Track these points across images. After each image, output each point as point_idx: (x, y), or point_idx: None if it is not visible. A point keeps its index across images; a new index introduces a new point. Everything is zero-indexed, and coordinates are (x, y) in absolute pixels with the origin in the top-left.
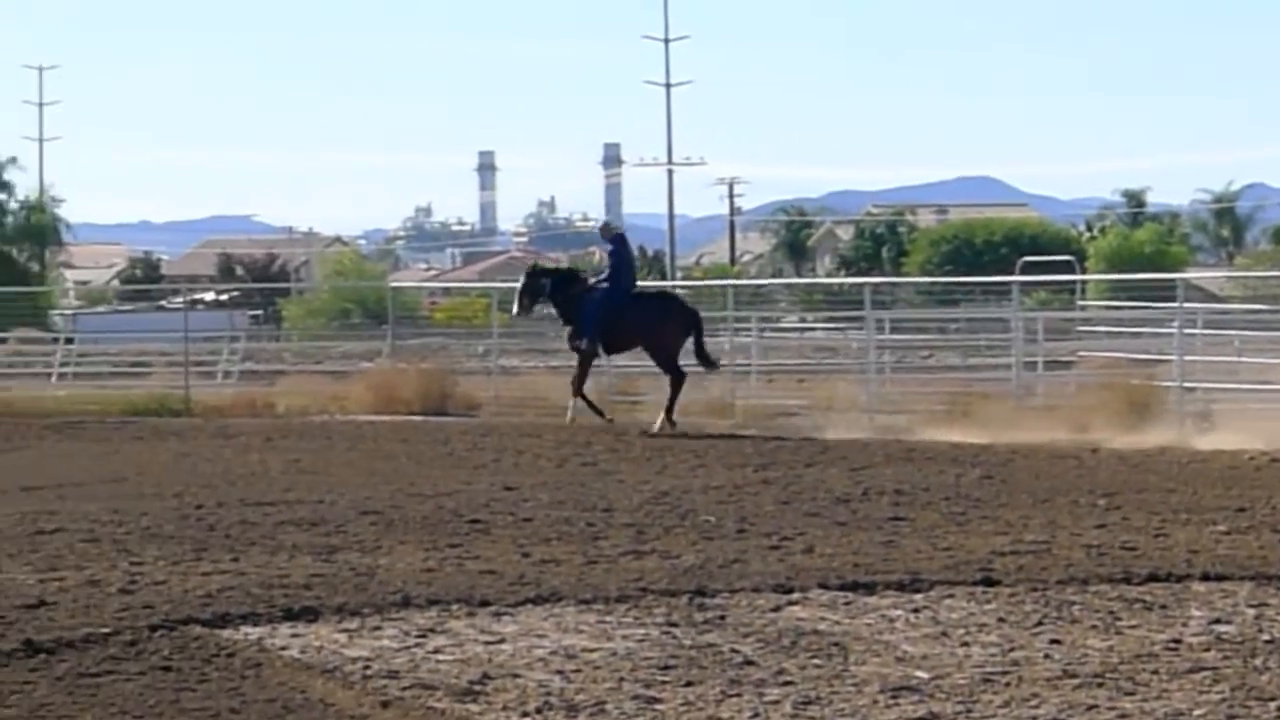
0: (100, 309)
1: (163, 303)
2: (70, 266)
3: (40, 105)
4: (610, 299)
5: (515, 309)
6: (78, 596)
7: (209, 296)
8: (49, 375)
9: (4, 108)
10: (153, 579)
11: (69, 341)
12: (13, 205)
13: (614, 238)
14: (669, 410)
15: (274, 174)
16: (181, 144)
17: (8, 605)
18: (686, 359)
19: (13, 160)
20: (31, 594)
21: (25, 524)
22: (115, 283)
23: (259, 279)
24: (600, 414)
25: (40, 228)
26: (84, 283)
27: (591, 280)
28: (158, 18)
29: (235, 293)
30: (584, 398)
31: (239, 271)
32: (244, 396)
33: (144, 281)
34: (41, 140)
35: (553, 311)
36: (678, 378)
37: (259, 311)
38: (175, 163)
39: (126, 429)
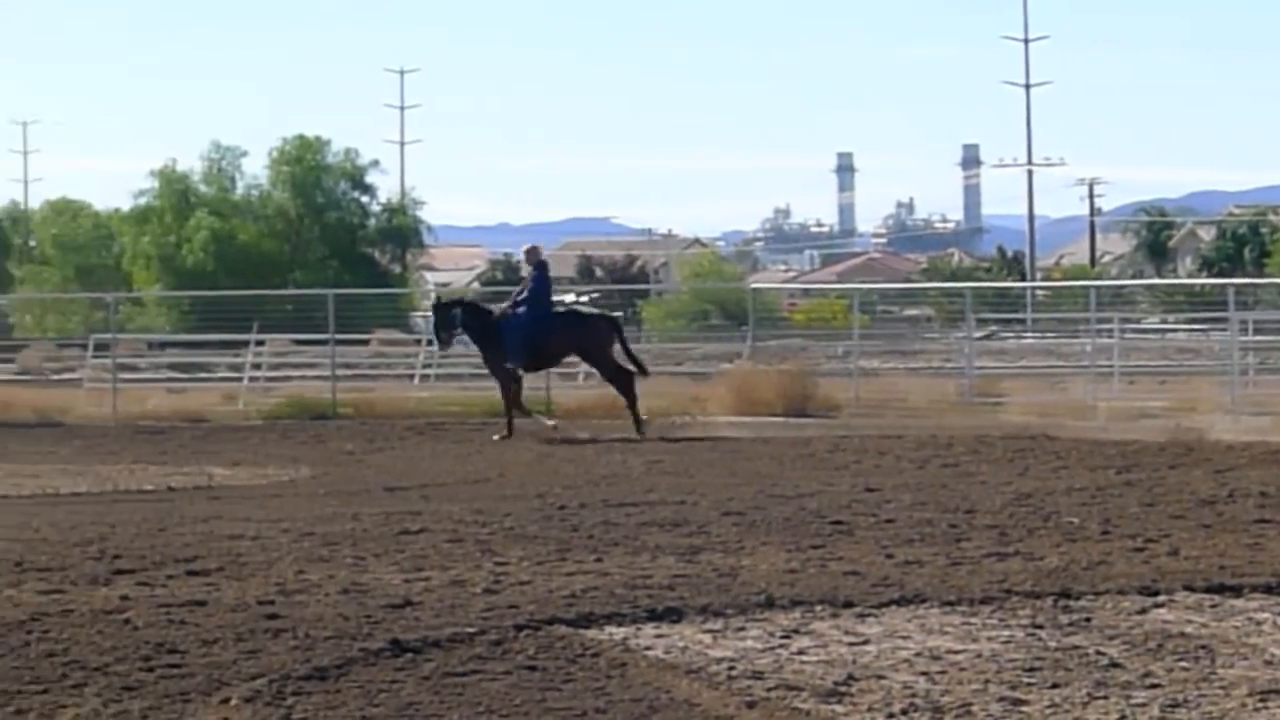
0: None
1: None
2: (431, 269)
3: (401, 109)
4: (532, 321)
5: (436, 344)
6: (443, 596)
7: (569, 298)
8: (411, 377)
9: (366, 111)
10: (517, 579)
11: (430, 343)
12: (375, 208)
13: (537, 263)
14: (634, 413)
15: (632, 176)
16: (541, 146)
17: (374, 605)
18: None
19: (375, 163)
20: (398, 594)
21: (390, 524)
22: (475, 284)
23: (618, 281)
24: (527, 414)
25: (401, 230)
26: (444, 284)
27: (505, 307)
28: (516, 21)
29: (595, 294)
30: (519, 408)
31: (598, 273)
32: (605, 397)
33: (504, 283)
34: (402, 143)
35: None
36: (625, 380)
37: (619, 313)
38: (534, 165)
39: (488, 430)
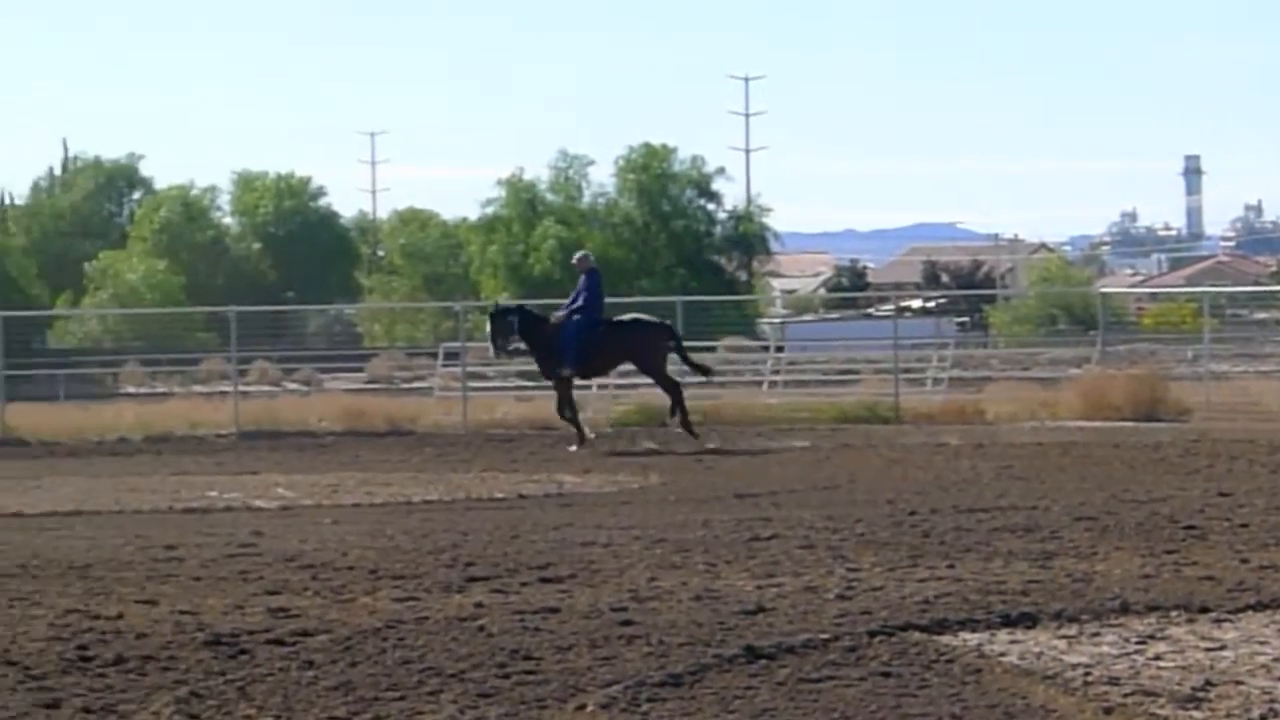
0: (807, 317)
1: (870, 310)
2: (777, 275)
3: (746, 116)
4: (586, 328)
5: (492, 351)
6: (796, 602)
7: (915, 304)
8: (759, 383)
9: (711, 118)
10: (869, 585)
11: (778, 350)
12: (721, 215)
13: (588, 271)
14: (684, 422)
15: (978, 180)
16: (885, 152)
17: (728, 611)
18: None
19: (721, 170)
20: (751, 600)
21: (741, 531)
22: (821, 291)
23: (964, 286)
24: (581, 433)
25: (748, 237)
26: (791, 291)
27: (560, 314)
28: (861, 27)
29: (942, 300)
30: (568, 418)
31: (944, 279)
32: (953, 403)
33: (850, 289)
34: (748, 150)
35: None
36: (674, 388)
37: (965, 318)
38: (879, 171)
39: (837, 436)
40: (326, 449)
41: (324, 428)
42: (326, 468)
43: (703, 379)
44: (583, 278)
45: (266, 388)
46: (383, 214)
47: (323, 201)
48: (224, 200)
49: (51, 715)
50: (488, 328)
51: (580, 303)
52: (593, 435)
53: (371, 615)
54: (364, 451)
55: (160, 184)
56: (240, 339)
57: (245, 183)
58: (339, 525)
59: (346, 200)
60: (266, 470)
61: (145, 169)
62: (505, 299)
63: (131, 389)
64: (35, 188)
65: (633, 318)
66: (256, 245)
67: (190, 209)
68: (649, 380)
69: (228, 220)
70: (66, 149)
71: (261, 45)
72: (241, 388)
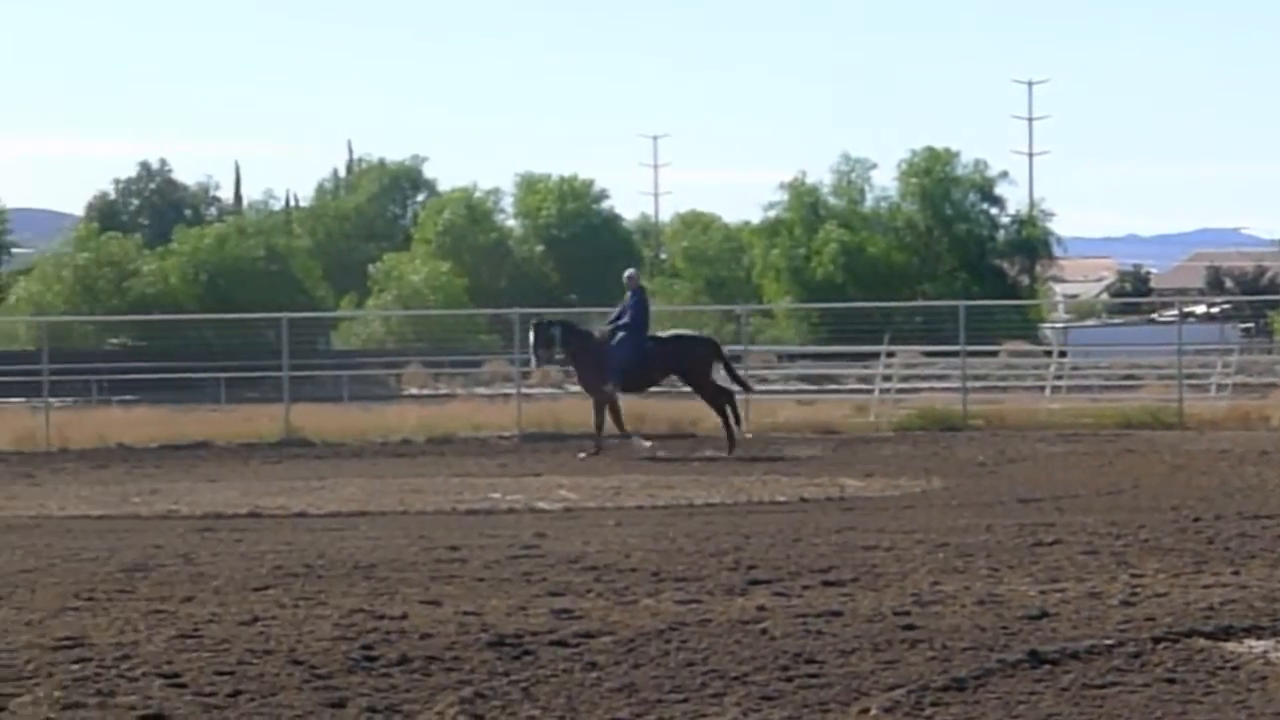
0: (1090, 322)
1: (1153, 316)
2: (1060, 280)
3: (1029, 120)
4: (633, 345)
5: (533, 361)
6: (1079, 608)
7: (1199, 309)
8: (1041, 388)
9: (994, 123)
10: (1153, 591)
11: (1061, 354)
12: (1004, 219)
13: (636, 289)
14: (733, 427)
15: (1263, 186)
16: (1169, 158)
17: (1011, 616)
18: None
19: (1004, 175)
20: (1034, 605)
21: (1024, 536)
22: (1104, 296)
23: (1248, 292)
24: (598, 441)
25: (1030, 242)
26: (1073, 296)
27: (607, 327)
28: (1144, 32)
29: (1226, 305)
30: (621, 428)
31: (1228, 284)
32: (1237, 409)
33: (1133, 295)
34: (1031, 155)
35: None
36: (725, 398)
37: (1250, 324)
38: (1163, 176)
39: (1120, 441)
40: (608, 451)
41: (608, 430)
42: (609, 470)
43: (744, 392)
44: (630, 295)
45: (549, 390)
46: (665, 217)
47: (605, 204)
48: (507, 203)
49: (337, 714)
50: (530, 337)
51: (626, 319)
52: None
53: (654, 617)
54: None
55: (444, 186)
56: (524, 341)
57: (528, 185)
58: (621, 527)
59: (629, 203)
60: (549, 472)
61: (429, 171)
62: (789, 302)
63: (414, 390)
64: (320, 190)
65: (676, 334)
66: (539, 248)
67: (474, 211)
68: (928, 385)
69: (511, 223)
70: (351, 151)
71: (545, 50)
72: (524, 390)
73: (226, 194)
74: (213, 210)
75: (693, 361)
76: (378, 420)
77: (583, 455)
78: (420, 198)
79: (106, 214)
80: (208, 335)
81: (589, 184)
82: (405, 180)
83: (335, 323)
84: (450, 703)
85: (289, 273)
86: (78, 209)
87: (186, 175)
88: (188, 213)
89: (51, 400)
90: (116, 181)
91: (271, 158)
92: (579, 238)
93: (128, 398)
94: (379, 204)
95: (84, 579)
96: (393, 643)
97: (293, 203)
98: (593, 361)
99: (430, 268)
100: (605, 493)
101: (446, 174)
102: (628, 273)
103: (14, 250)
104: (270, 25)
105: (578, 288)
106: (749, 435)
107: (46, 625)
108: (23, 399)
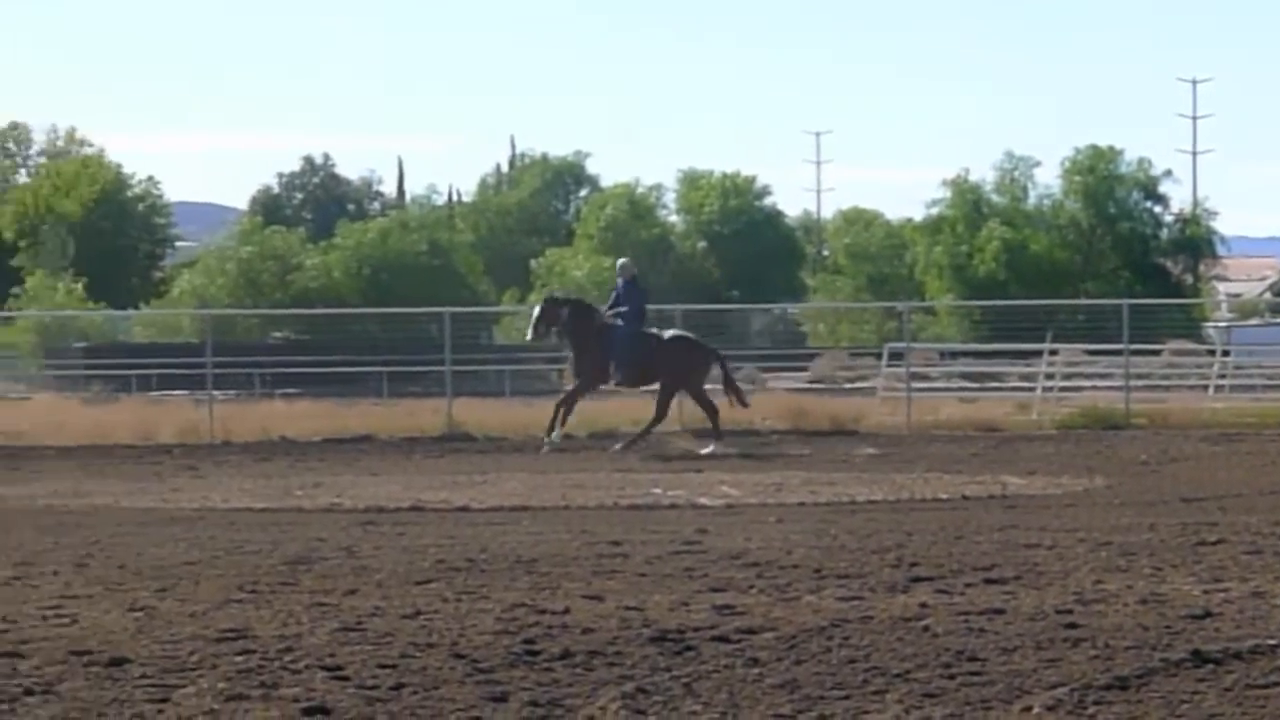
0: (1253, 322)
1: None
2: (1223, 279)
3: (1194, 119)
4: (636, 339)
5: (530, 333)
6: (1243, 608)
7: None
8: (1205, 388)
9: (1158, 122)
10: None
11: (1224, 354)
12: (1167, 218)
13: (631, 278)
14: (716, 433)
15: None
16: None
17: (1173, 615)
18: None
19: (1167, 173)
20: (1197, 605)
21: (1187, 535)
22: (1268, 295)
23: None
24: (552, 428)
25: (1194, 240)
26: (1236, 295)
27: (607, 315)
28: None
29: None
30: (556, 423)
31: None
32: None
33: None
34: (1195, 153)
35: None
36: (712, 409)
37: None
38: None
39: None
40: (770, 447)
41: (768, 426)
42: (770, 466)
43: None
44: (621, 283)
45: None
46: (827, 214)
47: (767, 201)
48: (669, 198)
49: (499, 708)
50: (535, 310)
51: (624, 309)
52: (551, 441)
53: (816, 614)
54: (807, 450)
55: (606, 182)
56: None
57: (690, 181)
58: (783, 524)
59: (791, 199)
60: (711, 468)
61: (591, 166)
62: (951, 299)
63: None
64: (483, 185)
65: (679, 334)
66: (701, 244)
67: (636, 207)
68: (1091, 384)
69: (673, 218)
70: (514, 146)
71: (708, 46)
72: None
73: (389, 189)
74: (375, 205)
75: (692, 367)
76: (540, 415)
77: (545, 448)
78: (583, 193)
79: (270, 208)
80: (370, 329)
81: (751, 180)
82: (568, 175)
83: (498, 317)
84: (612, 697)
85: (451, 267)
86: (241, 203)
87: (350, 170)
88: (350, 207)
89: (215, 393)
90: (280, 176)
91: (434, 153)
92: (741, 234)
93: (290, 391)
94: (541, 199)
95: (247, 571)
96: (554, 637)
97: (455, 198)
98: (596, 349)
99: (592, 263)
100: (766, 489)
101: (609, 170)
102: (620, 261)
103: (178, 244)
104: (433, 21)
105: (739, 284)
106: (717, 450)
107: (210, 617)
108: (186, 392)
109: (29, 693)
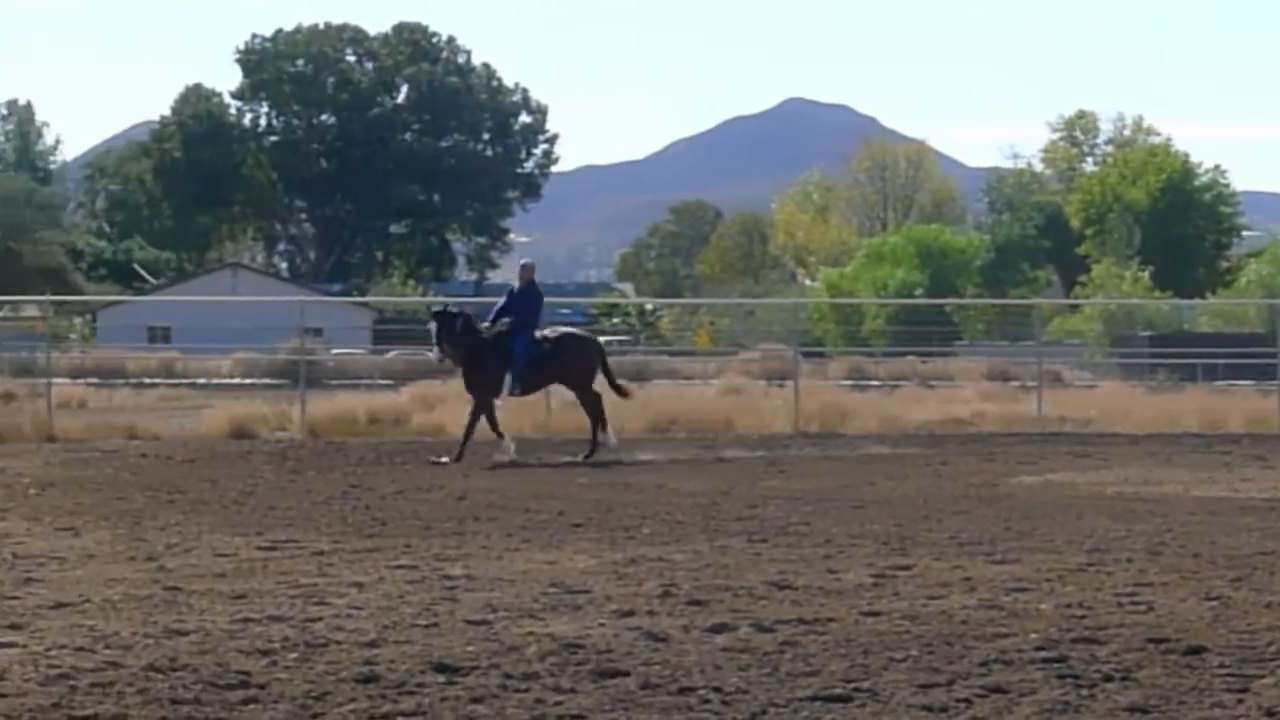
0: None
1: None
2: None
3: None
4: (532, 345)
5: (435, 355)
6: None
7: None
8: None
9: None
10: None
11: None
12: None
13: (529, 281)
14: (599, 432)
15: None
16: None
17: None
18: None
19: None
20: None
21: None
22: None
23: None
24: (462, 451)
25: None
26: None
27: (491, 324)
28: None
29: None
30: (491, 423)
31: None
32: None
33: None
34: None
35: None
36: (595, 401)
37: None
38: None
39: None
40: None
41: None
42: None
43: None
44: (519, 286)
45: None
46: None
47: None
48: None
49: None
50: (432, 327)
51: (519, 318)
52: (446, 459)
53: None
54: None
55: None
56: None
57: None
58: None
59: None
60: None
61: None
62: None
63: None
64: None
65: (565, 332)
66: None
67: None
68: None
69: None
70: None
71: None
72: None
73: None
74: None
75: (581, 363)
76: None
77: (444, 459)
78: None
79: None
80: None
81: None
82: None
83: None
84: None
85: None
86: None
87: None
88: None
89: None
90: None
91: None
92: None
93: None
94: None
95: None
96: None
97: None
98: (486, 362)
99: None
100: None
101: None
102: (522, 262)
103: (1245, 233)
104: None
105: None
106: (615, 443)
107: None
108: (1252, 381)
109: (1108, 679)
